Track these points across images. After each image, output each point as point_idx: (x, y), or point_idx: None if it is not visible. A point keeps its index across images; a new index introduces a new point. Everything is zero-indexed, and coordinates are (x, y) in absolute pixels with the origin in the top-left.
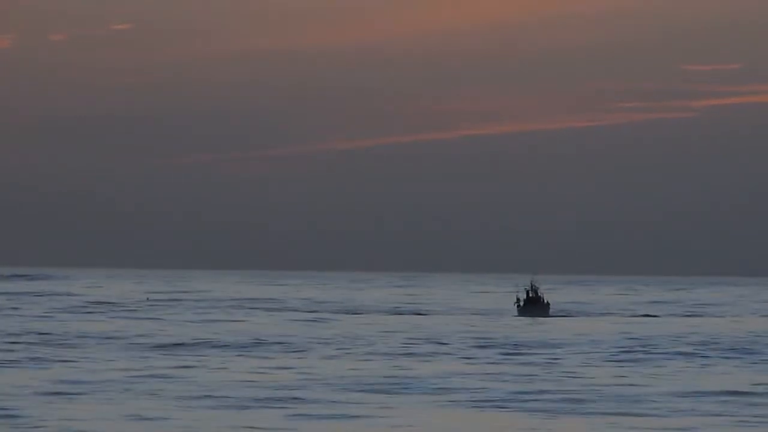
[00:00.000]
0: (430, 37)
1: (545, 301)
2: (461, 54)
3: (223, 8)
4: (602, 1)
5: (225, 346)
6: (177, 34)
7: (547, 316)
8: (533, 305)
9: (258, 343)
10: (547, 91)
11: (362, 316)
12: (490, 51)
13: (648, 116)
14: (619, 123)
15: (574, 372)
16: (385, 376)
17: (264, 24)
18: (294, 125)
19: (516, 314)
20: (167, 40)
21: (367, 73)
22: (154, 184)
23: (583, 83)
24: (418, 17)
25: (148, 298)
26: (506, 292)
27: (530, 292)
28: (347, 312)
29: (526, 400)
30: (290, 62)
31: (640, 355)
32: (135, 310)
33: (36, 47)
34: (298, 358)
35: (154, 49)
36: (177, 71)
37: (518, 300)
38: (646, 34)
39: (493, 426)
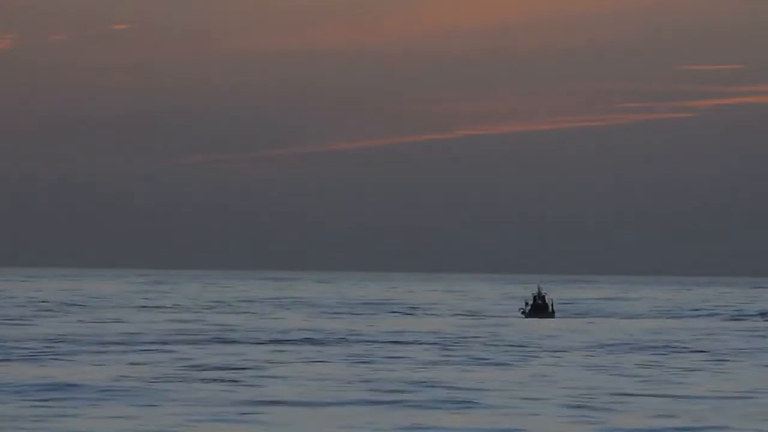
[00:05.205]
0: (431, 37)
1: (552, 308)
2: (461, 54)
3: (223, 8)
4: (602, 2)
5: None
6: (177, 34)
7: None
8: (538, 311)
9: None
10: (547, 91)
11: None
12: (490, 51)
13: (648, 116)
14: (619, 123)
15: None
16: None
17: (264, 24)
18: (294, 125)
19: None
20: (167, 40)
21: (368, 73)
22: (154, 184)
23: (583, 83)
24: (418, 17)
25: None
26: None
27: (537, 298)
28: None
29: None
30: (290, 62)
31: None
32: None
33: (36, 47)
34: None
35: (154, 49)
36: (177, 71)
37: (526, 305)
38: (646, 34)
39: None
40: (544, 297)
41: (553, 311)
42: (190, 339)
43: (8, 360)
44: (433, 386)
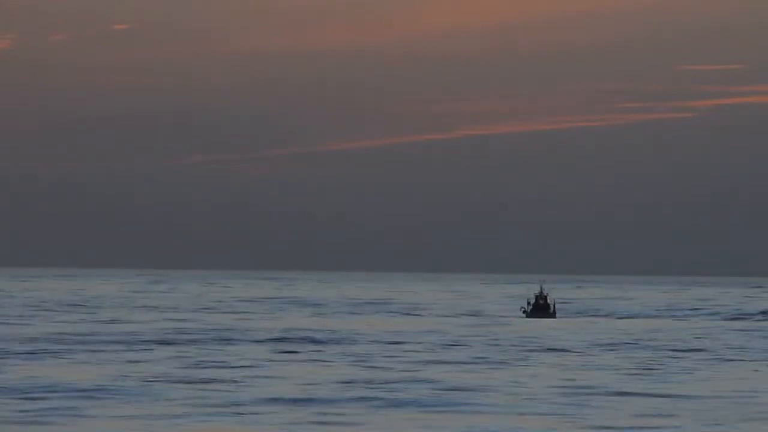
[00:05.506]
0: (431, 37)
1: (553, 308)
2: (461, 54)
3: (223, 8)
4: (602, 2)
5: None
6: (177, 34)
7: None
8: (540, 311)
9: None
10: (547, 91)
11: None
12: (490, 51)
13: (648, 116)
14: (619, 123)
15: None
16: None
17: (264, 25)
18: (294, 125)
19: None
20: (167, 40)
21: (368, 73)
22: (154, 184)
23: (583, 83)
24: (418, 18)
25: None
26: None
27: (539, 298)
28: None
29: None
30: (290, 63)
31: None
32: None
33: (36, 47)
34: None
35: (154, 49)
36: (177, 71)
37: (528, 304)
38: (646, 34)
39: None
40: (546, 297)
41: (554, 311)
42: (189, 338)
43: (7, 359)
44: (433, 386)
